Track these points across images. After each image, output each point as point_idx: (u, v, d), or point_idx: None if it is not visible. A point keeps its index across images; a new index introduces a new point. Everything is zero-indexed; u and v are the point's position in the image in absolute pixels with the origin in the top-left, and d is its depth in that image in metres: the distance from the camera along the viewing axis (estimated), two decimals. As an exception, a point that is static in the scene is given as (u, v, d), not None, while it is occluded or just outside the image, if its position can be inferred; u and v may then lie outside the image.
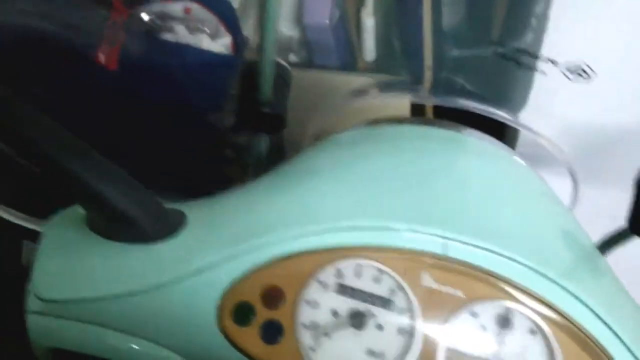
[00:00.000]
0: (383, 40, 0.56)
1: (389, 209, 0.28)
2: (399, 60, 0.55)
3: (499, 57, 0.49)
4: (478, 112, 0.43)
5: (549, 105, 0.52)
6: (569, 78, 0.44)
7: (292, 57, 0.60)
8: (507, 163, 0.36)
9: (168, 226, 0.27)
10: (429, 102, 0.48)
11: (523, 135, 0.49)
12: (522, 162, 0.37)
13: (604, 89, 0.48)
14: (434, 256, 0.27)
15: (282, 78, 0.32)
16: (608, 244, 0.34)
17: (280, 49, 0.61)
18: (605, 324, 0.27)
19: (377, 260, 0.27)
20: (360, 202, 0.29)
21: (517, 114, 0.50)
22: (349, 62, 0.58)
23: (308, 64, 0.58)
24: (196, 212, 0.28)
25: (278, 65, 0.32)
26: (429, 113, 0.52)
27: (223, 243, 0.26)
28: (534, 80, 0.50)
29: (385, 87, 0.48)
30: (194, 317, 0.26)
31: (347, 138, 0.35)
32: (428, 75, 0.50)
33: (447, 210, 0.29)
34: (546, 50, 0.46)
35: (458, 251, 0.27)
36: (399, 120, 0.37)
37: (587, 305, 0.27)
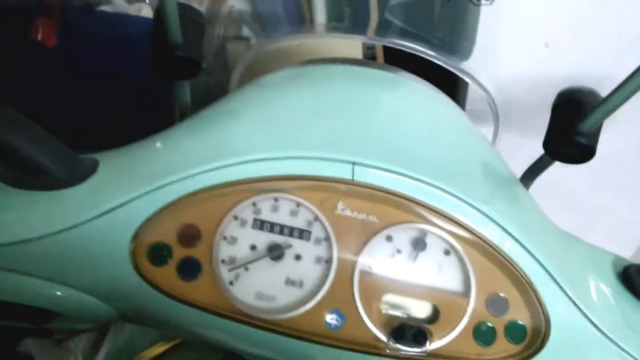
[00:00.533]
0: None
1: (300, 140, 0.28)
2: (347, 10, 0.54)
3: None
4: (418, 53, 0.43)
5: (493, 55, 0.52)
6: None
7: (246, 31, 0.60)
8: (434, 100, 0.36)
9: (79, 173, 0.27)
10: (372, 42, 0.48)
11: (472, 92, 0.49)
12: (453, 103, 0.37)
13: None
14: (345, 182, 0.27)
15: (195, 21, 0.31)
16: (531, 172, 0.34)
17: (233, 23, 0.61)
18: (518, 241, 0.27)
19: (292, 193, 0.27)
20: (273, 135, 0.29)
21: (460, 61, 0.50)
22: (302, 28, 0.58)
23: (262, 35, 0.58)
24: (109, 159, 0.28)
25: (190, 8, 0.31)
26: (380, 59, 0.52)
27: (133, 184, 0.26)
28: (478, 29, 0.50)
29: (330, 28, 0.48)
30: (107, 259, 0.26)
31: (273, 79, 0.35)
32: (374, 16, 0.49)
33: (358, 138, 0.29)
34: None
35: (367, 175, 0.27)
36: (330, 61, 0.37)
37: (499, 224, 0.27)
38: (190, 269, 0.26)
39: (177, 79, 0.32)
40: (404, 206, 0.27)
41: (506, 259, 0.27)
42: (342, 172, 0.27)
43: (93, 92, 0.54)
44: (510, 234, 0.27)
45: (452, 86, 0.48)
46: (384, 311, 0.27)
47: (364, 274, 0.27)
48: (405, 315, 0.27)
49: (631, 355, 0.27)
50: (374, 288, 0.27)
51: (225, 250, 0.27)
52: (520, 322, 0.27)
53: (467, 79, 0.42)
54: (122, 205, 0.26)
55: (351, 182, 0.27)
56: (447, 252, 0.27)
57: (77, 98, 0.54)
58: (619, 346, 0.27)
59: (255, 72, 0.48)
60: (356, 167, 0.27)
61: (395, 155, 0.28)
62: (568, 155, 0.29)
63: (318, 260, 0.27)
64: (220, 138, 0.29)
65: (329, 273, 0.27)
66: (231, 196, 0.27)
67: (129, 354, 0.42)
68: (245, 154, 0.27)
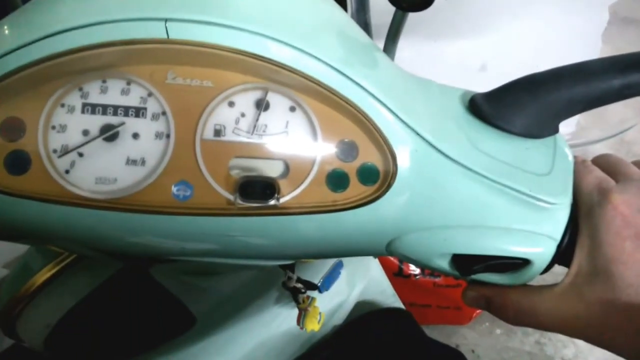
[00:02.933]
0: None
1: (100, 5, 0.26)
2: None
3: None
4: None
5: None
6: None
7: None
8: None
9: None
10: None
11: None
12: None
13: None
14: (160, 41, 0.25)
15: None
16: (390, 33, 0.33)
17: None
18: (359, 85, 0.26)
19: (119, 71, 0.25)
20: (73, 4, 0.26)
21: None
22: None
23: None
24: None
25: None
26: None
27: None
28: None
29: None
30: None
31: None
32: None
33: None
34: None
35: (184, 31, 0.25)
36: None
37: (338, 70, 0.26)
38: (18, 162, 0.25)
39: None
40: (239, 65, 0.26)
41: (350, 105, 0.26)
42: (154, 31, 0.25)
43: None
44: (349, 78, 0.26)
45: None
46: (233, 175, 0.26)
47: (206, 141, 0.26)
48: (255, 175, 0.26)
49: (477, 173, 0.27)
50: (219, 154, 0.26)
51: (55, 140, 0.25)
52: (370, 163, 0.27)
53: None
54: None
55: (168, 41, 0.25)
56: (292, 109, 0.26)
57: None
58: (465, 166, 0.27)
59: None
60: (169, 24, 0.25)
61: (219, 6, 0.26)
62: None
63: (158, 135, 0.25)
64: (23, 18, 0.26)
65: (168, 146, 0.25)
66: (51, 81, 0.25)
67: (25, 277, 0.41)
68: (46, 28, 0.25)
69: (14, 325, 0.42)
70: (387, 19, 0.44)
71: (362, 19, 0.46)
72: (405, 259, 0.29)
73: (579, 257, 0.27)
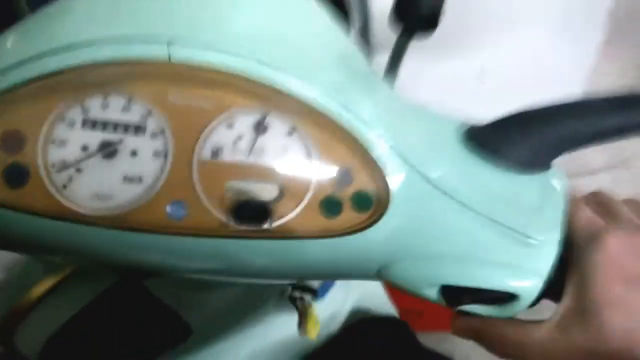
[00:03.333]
0: None
1: (105, 22, 0.26)
2: None
3: None
4: None
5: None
6: None
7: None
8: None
9: None
10: None
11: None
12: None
13: None
14: (162, 62, 0.25)
15: None
16: (393, 60, 0.34)
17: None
18: (357, 115, 0.27)
19: (121, 89, 0.25)
20: (78, 20, 0.27)
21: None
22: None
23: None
24: None
25: None
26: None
27: None
28: None
29: None
30: None
31: None
32: None
33: (179, 14, 0.27)
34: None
35: (187, 53, 0.25)
36: None
37: (336, 98, 0.27)
38: (16, 175, 0.25)
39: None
40: (238, 88, 0.26)
41: (345, 132, 0.27)
42: (157, 51, 0.25)
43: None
44: (346, 106, 0.27)
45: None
46: (228, 197, 0.26)
47: (203, 162, 0.26)
48: (250, 198, 0.27)
49: (469, 207, 0.28)
50: (215, 175, 0.26)
51: (54, 154, 0.25)
52: (364, 191, 0.27)
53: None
54: None
55: (170, 64, 0.25)
56: (289, 133, 0.27)
57: None
58: (456, 200, 0.28)
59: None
60: (172, 47, 0.25)
61: (222, 31, 0.26)
62: (413, 25, 0.29)
63: (156, 154, 0.26)
64: (27, 32, 0.27)
65: (166, 165, 0.26)
66: (53, 95, 0.25)
67: (24, 288, 0.41)
68: (50, 43, 0.25)
69: (11, 338, 0.43)
70: (388, 34, 0.44)
71: (366, 37, 0.46)
72: (395, 287, 0.30)
73: (568, 296, 0.27)
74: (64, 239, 0.26)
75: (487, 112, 0.31)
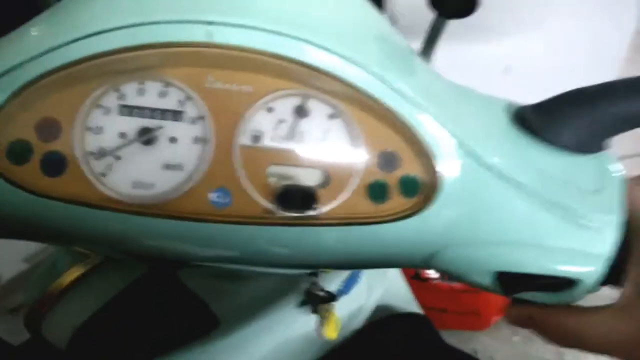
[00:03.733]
0: None
1: (144, 5, 0.26)
2: None
3: None
4: None
5: None
6: None
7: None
8: None
9: None
10: None
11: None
12: None
13: None
14: (203, 45, 0.24)
15: None
16: (429, 39, 0.33)
17: None
18: (402, 94, 0.26)
19: (157, 73, 0.25)
20: (113, 4, 0.26)
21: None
22: None
23: None
24: None
25: None
26: None
27: None
28: None
29: None
30: None
31: None
32: None
33: None
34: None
35: (229, 35, 0.25)
36: None
37: (381, 78, 0.26)
38: (54, 164, 0.25)
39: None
40: (279, 70, 0.25)
41: (391, 113, 0.26)
42: (195, 34, 0.24)
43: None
44: (391, 85, 0.26)
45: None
46: (272, 183, 0.25)
47: (244, 147, 0.25)
48: (294, 184, 0.26)
49: (526, 189, 0.26)
50: (256, 161, 0.25)
51: (91, 142, 0.25)
52: (412, 175, 0.26)
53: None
54: None
55: (210, 45, 0.24)
56: (332, 116, 0.26)
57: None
58: (513, 181, 0.26)
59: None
60: (212, 27, 0.25)
61: (260, 10, 0.26)
62: (452, 6, 0.28)
63: (195, 140, 0.25)
64: (60, 17, 0.26)
65: (207, 151, 0.25)
66: (88, 81, 0.25)
67: (52, 277, 0.41)
68: (83, 28, 0.24)
69: (39, 326, 0.43)
70: (412, 21, 0.43)
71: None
72: (444, 273, 0.29)
73: (632, 279, 0.26)
74: (103, 229, 0.26)
75: (516, 100, 0.31)
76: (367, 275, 0.51)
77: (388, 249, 0.27)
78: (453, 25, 0.32)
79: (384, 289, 0.53)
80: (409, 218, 0.26)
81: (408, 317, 0.53)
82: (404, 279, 0.59)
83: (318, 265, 0.32)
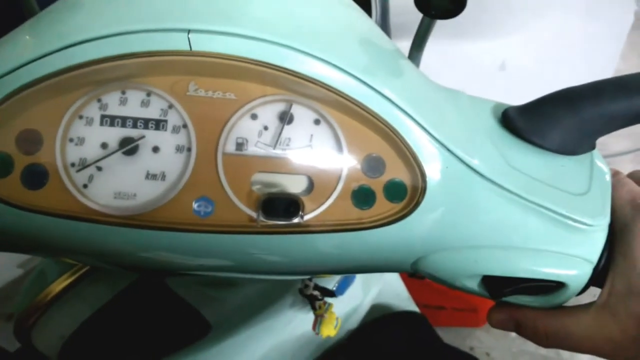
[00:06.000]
0: None
1: (122, 15, 0.25)
2: None
3: None
4: None
5: None
6: None
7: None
8: None
9: None
10: None
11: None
12: None
13: None
14: (182, 53, 0.24)
15: None
16: (417, 39, 0.32)
17: None
18: (386, 98, 0.25)
19: (139, 82, 0.24)
20: (93, 14, 0.25)
21: None
22: None
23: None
24: None
25: None
26: None
27: None
28: None
29: None
30: None
31: None
32: None
33: (195, 2, 0.26)
34: None
35: (207, 43, 0.24)
36: None
37: (365, 83, 0.25)
38: (35, 177, 0.24)
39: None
40: (263, 77, 0.25)
41: (376, 118, 0.25)
42: (176, 42, 0.24)
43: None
44: (375, 90, 0.25)
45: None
46: (256, 191, 0.25)
47: (228, 155, 0.25)
48: (279, 191, 0.25)
49: (511, 192, 0.26)
50: (241, 169, 0.25)
51: (73, 153, 0.24)
52: (397, 180, 0.26)
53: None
54: None
55: (190, 53, 0.24)
56: (316, 122, 0.25)
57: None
58: (498, 185, 0.26)
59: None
60: (192, 35, 0.24)
61: (241, 17, 0.25)
62: (437, 8, 0.27)
63: (178, 149, 0.25)
64: (41, 28, 0.26)
65: (189, 160, 0.25)
66: (69, 92, 0.24)
67: (41, 286, 0.40)
68: (65, 39, 0.24)
69: (28, 335, 0.42)
70: (405, 19, 0.43)
71: (386, 23, 0.45)
72: (431, 278, 0.28)
73: (613, 276, 0.26)
74: (85, 240, 0.25)
75: (509, 99, 0.30)
76: (362, 275, 0.51)
77: (375, 254, 0.27)
78: (449, 24, 0.32)
79: (380, 288, 0.53)
80: (395, 223, 0.26)
81: (404, 316, 0.53)
82: (400, 277, 0.59)
83: (305, 272, 0.31)
